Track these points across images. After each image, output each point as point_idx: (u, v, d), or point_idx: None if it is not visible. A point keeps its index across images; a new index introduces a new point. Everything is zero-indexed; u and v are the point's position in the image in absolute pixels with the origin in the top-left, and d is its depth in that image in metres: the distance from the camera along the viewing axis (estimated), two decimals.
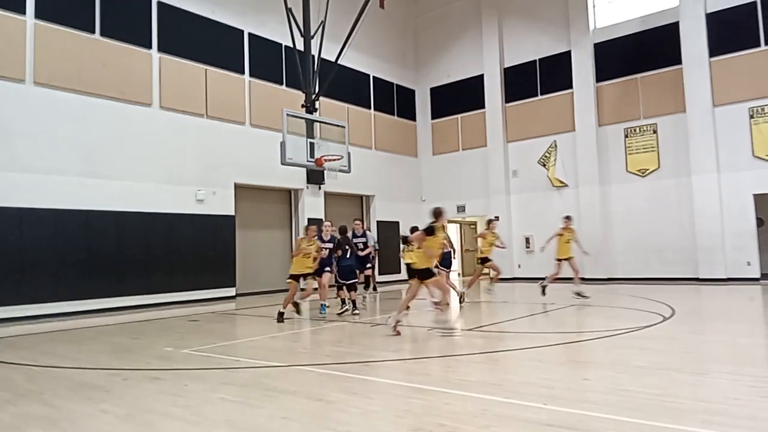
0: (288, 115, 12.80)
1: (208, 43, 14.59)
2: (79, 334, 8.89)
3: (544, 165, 18.26)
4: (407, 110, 21.23)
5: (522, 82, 18.84)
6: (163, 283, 12.99)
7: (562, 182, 17.79)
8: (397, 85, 20.77)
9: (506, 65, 19.25)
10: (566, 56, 17.84)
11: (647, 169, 16.30)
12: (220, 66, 14.81)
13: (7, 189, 10.71)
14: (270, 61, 16.15)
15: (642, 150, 16.41)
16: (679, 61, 15.63)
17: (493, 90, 19.30)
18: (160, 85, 13.43)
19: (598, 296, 12.06)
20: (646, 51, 16.41)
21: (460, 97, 20.34)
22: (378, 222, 19.40)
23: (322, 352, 6.89)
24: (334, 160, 13.51)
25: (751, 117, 14.51)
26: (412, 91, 21.48)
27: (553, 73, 18.15)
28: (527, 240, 18.39)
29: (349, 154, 13.68)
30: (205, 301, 13.61)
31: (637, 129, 16.51)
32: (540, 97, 18.51)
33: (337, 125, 14.25)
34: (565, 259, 11.33)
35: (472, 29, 20.06)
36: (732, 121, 14.75)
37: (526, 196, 18.72)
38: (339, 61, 15.33)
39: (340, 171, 13.90)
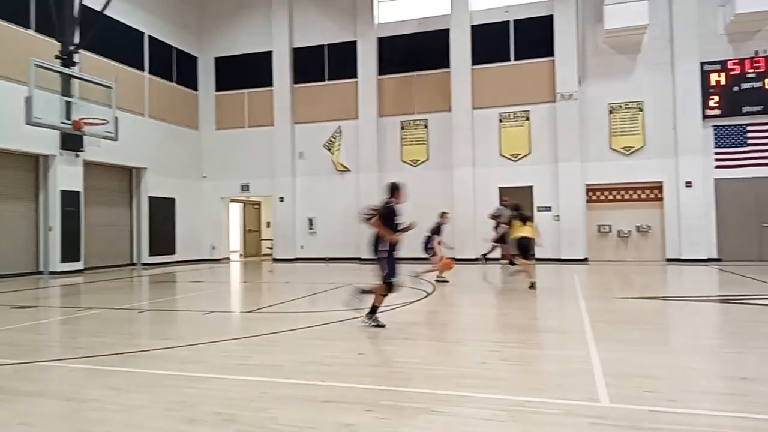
0: (36, 65, 10.80)
1: None
2: None
3: (329, 149, 18.77)
4: (188, 78, 19.67)
5: (311, 64, 18.98)
6: None
7: (345, 167, 18.52)
8: (177, 49, 19.07)
9: (296, 45, 19.15)
10: (352, 45, 18.50)
11: (418, 160, 17.97)
12: None
13: None
14: None
15: (415, 142, 18.02)
16: (448, 65, 17.50)
17: (282, 69, 19.06)
18: None
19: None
20: (421, 51, 17.96)
21: (248, 72, 19.61)
22: (150, 198, 17.64)
23: (75, 345, 5.97)
24: (97, 124, 11.90)
25: (500, 121, 17.05)
26: (195, 58, 19.98)
27: (340, 61, 18.67)
28: (310, 221, 18.75)
29: (116, 118, 12.19)
30: None
31: (412, 123, 18.05)
32: (327, 82, 18.90)
33: (103, 84, 12.54)
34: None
35: (261, 3, 19.44)
36: (486, 123, 17.12)
37: (311, 179, 19.01)
38: (106, 12, 13.43)
39: (105, 137, 12.30)
